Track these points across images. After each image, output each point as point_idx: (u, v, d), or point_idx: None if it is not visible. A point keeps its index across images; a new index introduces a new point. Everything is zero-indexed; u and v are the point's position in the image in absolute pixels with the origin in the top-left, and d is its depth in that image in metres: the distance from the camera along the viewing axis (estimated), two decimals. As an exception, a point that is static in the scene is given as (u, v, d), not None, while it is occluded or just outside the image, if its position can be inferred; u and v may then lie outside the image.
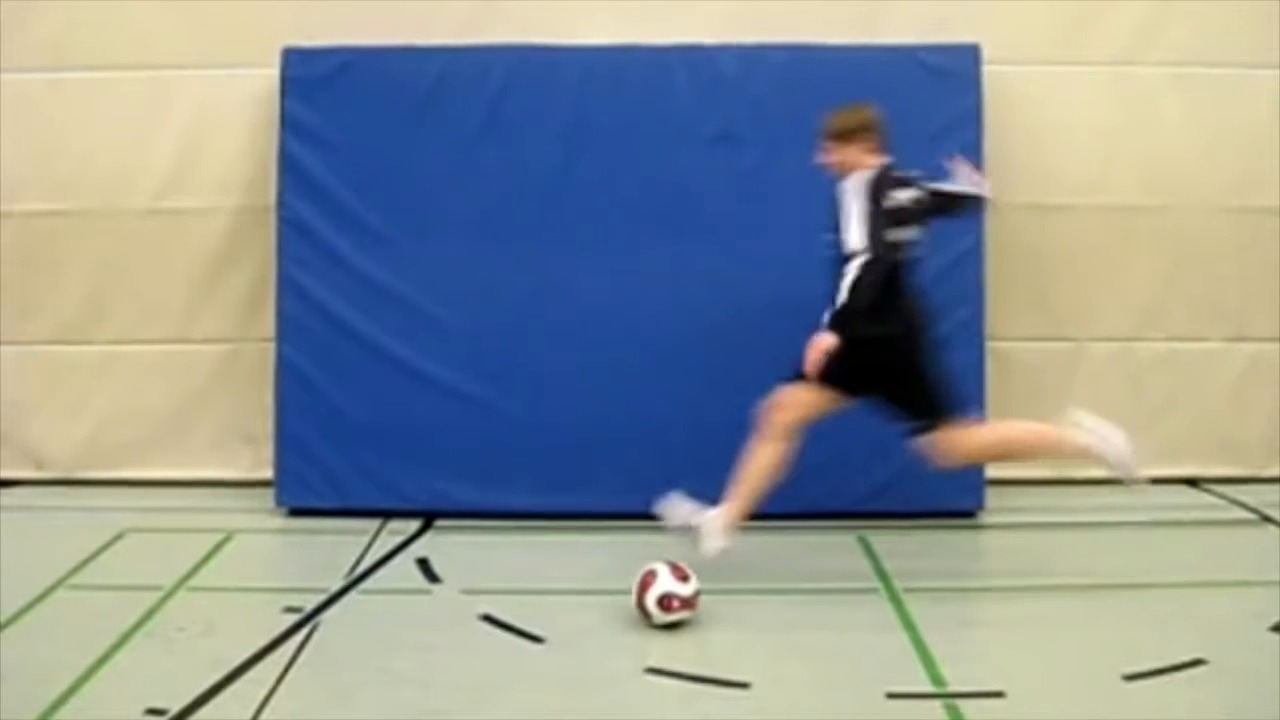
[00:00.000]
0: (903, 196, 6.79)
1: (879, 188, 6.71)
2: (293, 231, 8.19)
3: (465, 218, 8.14)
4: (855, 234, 6.63)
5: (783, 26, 8.35)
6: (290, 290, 8.20)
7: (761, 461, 6.94)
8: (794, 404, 6.94)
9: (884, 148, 6.90)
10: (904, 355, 6.82)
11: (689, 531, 6.91)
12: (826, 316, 6.68)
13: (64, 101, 8.61)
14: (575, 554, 7.49)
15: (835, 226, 6.72)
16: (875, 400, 6.90)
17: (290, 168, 8.22)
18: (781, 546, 7.63)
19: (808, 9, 8.46)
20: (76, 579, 6.95)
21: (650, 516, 7.89)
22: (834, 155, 6.93)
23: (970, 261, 8.16)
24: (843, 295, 6.60)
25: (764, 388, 8.03)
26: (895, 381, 6.83)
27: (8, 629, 6.18)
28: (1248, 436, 8.74)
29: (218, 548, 7.51)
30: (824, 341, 6.65)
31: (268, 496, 8.18)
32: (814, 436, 8.02)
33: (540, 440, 8.07)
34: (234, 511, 8.19)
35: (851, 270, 6.59)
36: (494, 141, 8.12)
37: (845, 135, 6.90)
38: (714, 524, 6.90)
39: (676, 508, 6.96)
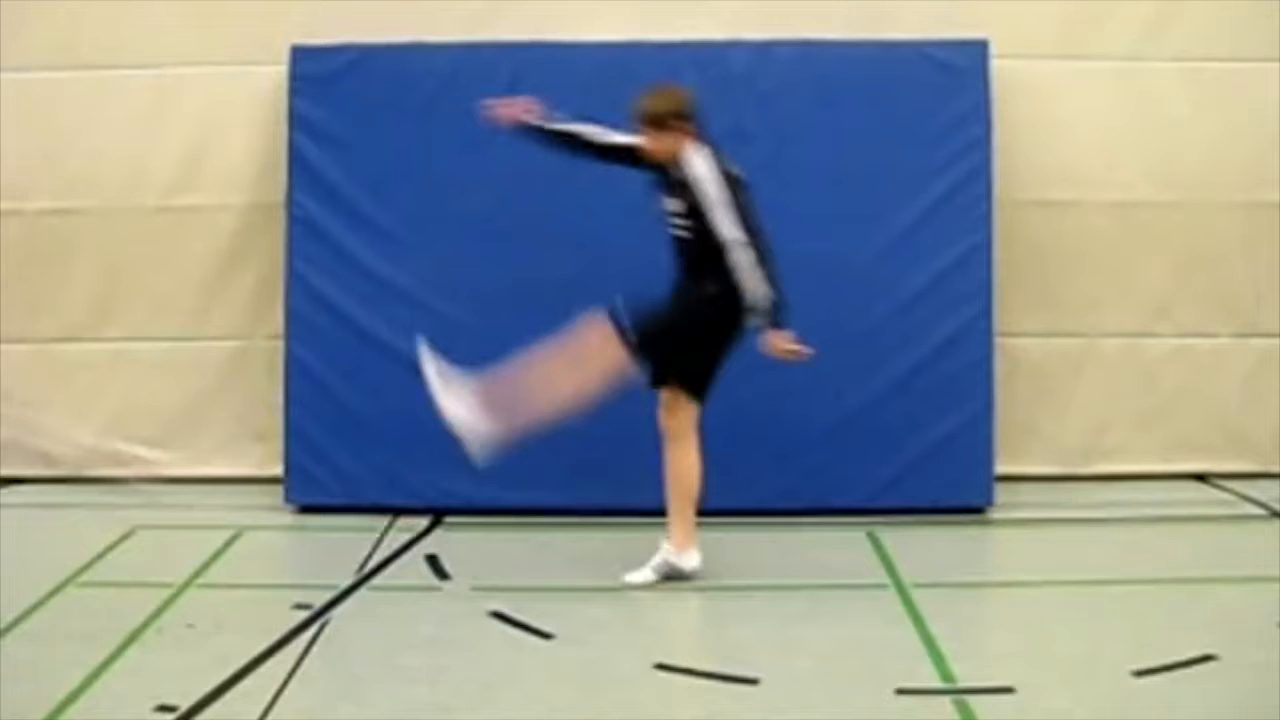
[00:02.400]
0: (730, 163, 6.74)
1: (723, 170, 6.64)
2: (301, 229, 8.21)
3: (474, 215, 8.14)
4: (726, 223, 6.56)
5: (791, 23, 8.35)
6: (299, 287, 8.21)
7: (678, 468, 6.88)
8: (674, 405, 6.88)
9: (698, 126, 6.77)
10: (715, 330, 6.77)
11: (674, 574, 6.85)
12: (758, 319, 6.61)
13: (73, 100, 8.63)
14: (584, 550, 7.50)
15: (684, 211, 6.64)
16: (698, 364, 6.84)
17: (299, 165, 8.23)
18: (791, 543, 7.63)
19: (816, 5, 8.45)
20: (86, 576, 6.96)
21: (658, 512, 7.91)
22: (653, 140, 6.76)
23: (979, 258, 8.16)
24: (753, 290, 6.53)
25: (769, 384, 8.08)
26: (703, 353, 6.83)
27: (18, 626, 6.19)
28: (1257, 432, 8.72)
29: (227, 544, 7.52)
30: (787, 340, 6.62)
31: (277, 493, 8.20)
32: (820, 434, 8.07)
33: (549, 436, 8.05)
34: (243, 508, 8.21)
35: (743, 262, 6.52)
36: (503, 138, 8.10)
37: (663, 119, 6.74)
38: (678, 553, 6.85)
39: (643, 574, 6.88)
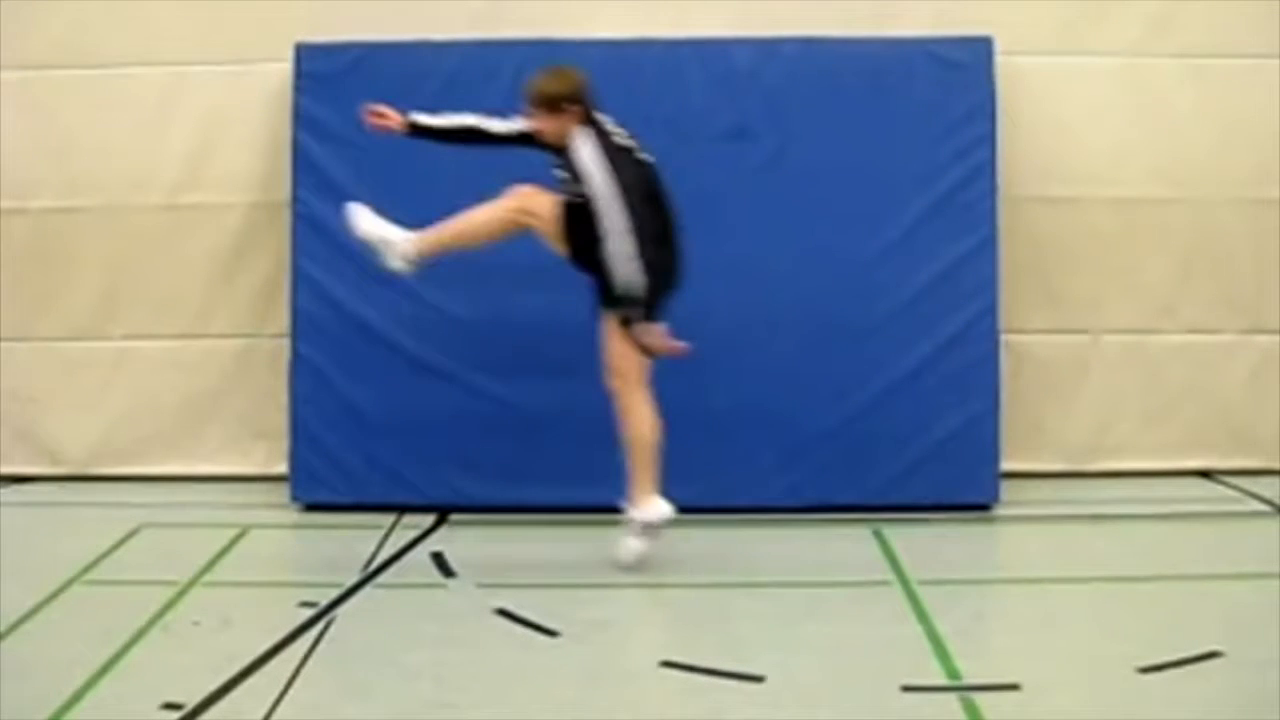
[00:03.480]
0: (615, 130, 6.78)
1: (609, 153, 6.67)
2: (307, 227, 8.21)
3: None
4: (606, 213, 6.61)
5: (795, 20, 8.35)
6: (304, 285, 8.22)
7: (635, 432, 6.95)
8: (620, 362, 6.94)
9: (591, 109, 6.82)
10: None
11: (652, 534, 6.92)
12: (627, 310, 6.69)
13: (78, 98, 8.64)
14: (589, 547, 7.49)
15: (579, 192, 6.71)
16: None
17: (304, 163, 8.24)
18: (796, 540, 7.64)
19: (820, 3, 8.45)
20: (92, 574, 6.97)
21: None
22: (545, 122, 6.80)
23: (984, 254, 8.16)
24: (624, 279, 6.61)
25: (774, 381, 8.08)
26: None
27: (24, 624, 6.20)
28: (1263, 428, 8.71)
29: (233, 543, 7.53)
30: (656, 335, 6.71)
31: (282, 491, 8.20)
32: (825, 431, 8.07)
33: (553, 434, 8.07)
34: (249, 506, 8.21)
35: (618, 252, 6.59)
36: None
37: (556, 101, 6.78)
38: (646, 513, 6.91)
39: (629, 546, 6.96)
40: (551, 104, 6.78)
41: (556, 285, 8.07)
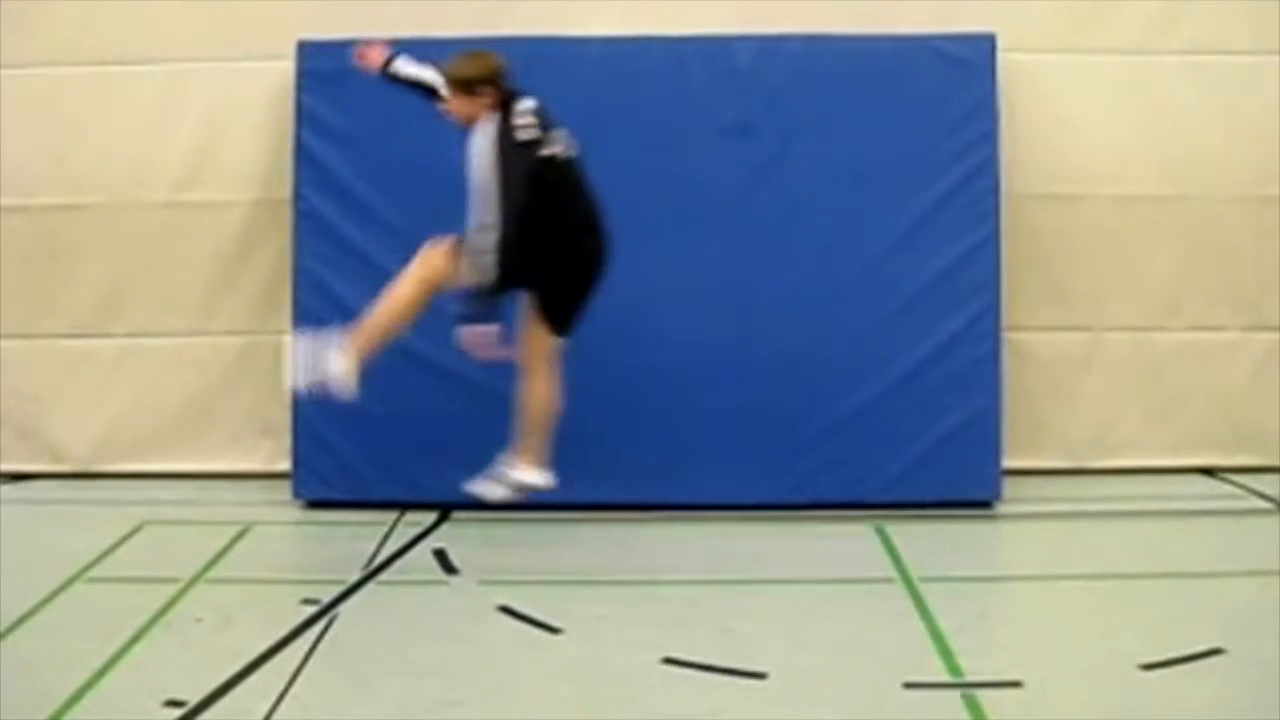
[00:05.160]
0: (524, 121, 6.74)
1: (504, 145, 6.65)
2: (309, 224, 8.21)
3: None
4: (482, 206, 6.63)
5: (798, 17, 8.34)
6: (307, 283, 8.22)
7: (535, 405, 7.05)
8: (532, 339, 7.01)
9: (507, 95, 6.79)
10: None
11: (521, 494, 7.04)
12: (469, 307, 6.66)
13: (80, 96, 8.64)
14: (592, 545, 7.50)
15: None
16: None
17: (306, 161, 8.24)
18: (798, 537, 7.64)
19: (823, 0, 8.44)
20: (95, 571, 6.97)
21: (666, 507, 7.93)
22: (458, 103, 6.80)
23: (986, 252, 8.16)
24: (474, 272, 6.60)
25: (776, 378, 8.08)
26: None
27: (27, 622, 6.20)
28: (1266, 426, 8.71)
29: (235, 540, 7.53)
30: (482, 338, 6.65)
31: (285, 488, 8.21)
32: (827, 429, 8.07)
33: (556, 432, 8.06)
34: (252, 504, 8.22)
35: (478, 245, 6.59)
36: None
37: (471, 84, 6.77)
38: (527, 475, 7.04)
39: (493, 490, 7.06)
40: (464, 86, 6.78)
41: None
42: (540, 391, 7.04)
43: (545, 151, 6.76)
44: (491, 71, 6.79)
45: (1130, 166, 8.63)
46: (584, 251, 6.94)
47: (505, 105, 6.78)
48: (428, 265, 6.85)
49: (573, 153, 6.90)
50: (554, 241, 6.80)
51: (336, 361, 6.75)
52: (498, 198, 6.60)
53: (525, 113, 6.78)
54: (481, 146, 6.71)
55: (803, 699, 5.39)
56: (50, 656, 5.80)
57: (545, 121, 6.83)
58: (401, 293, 6.85)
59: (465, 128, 6.83)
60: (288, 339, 6.99)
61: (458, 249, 6.78)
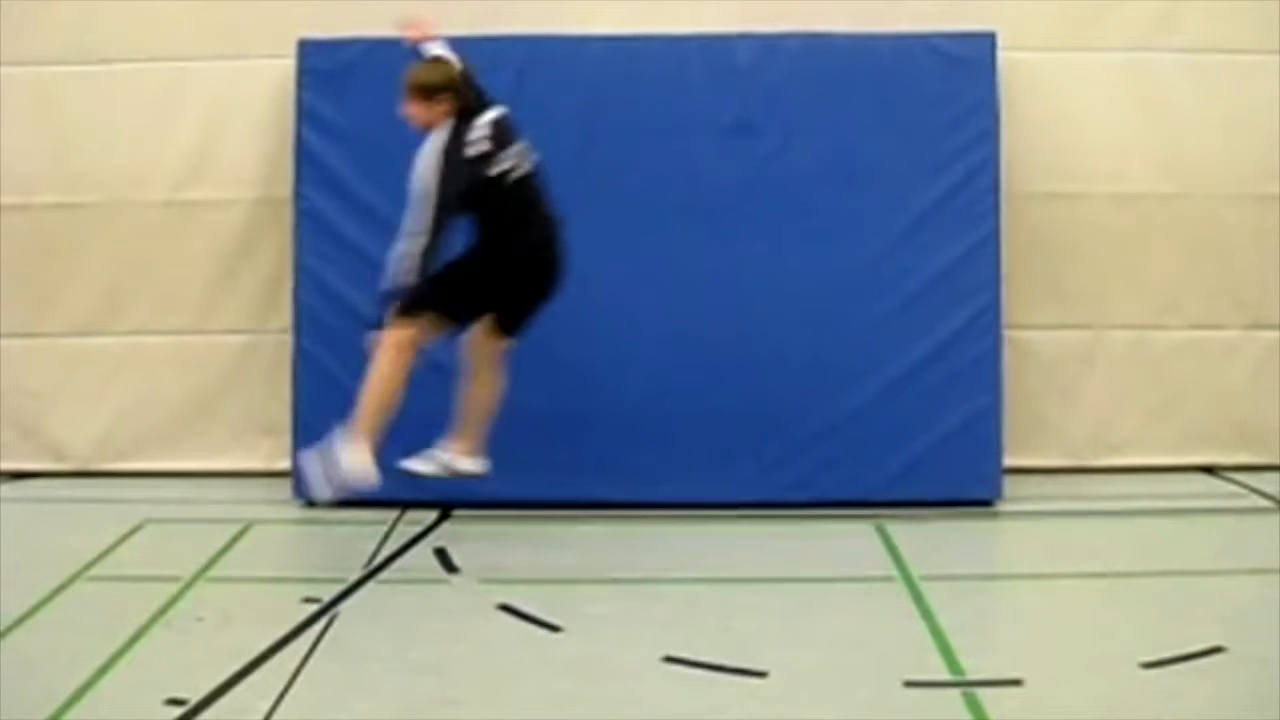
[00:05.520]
0: (477, 135, 6.81)
1: (450, 158, 6.70)
2: (310, 223, 8.22)
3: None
4: (413, 214, 6.69)
5: (798, 15, 8.35)
6: (308, 281, 8.22)
7: (476, 396, 7.20)
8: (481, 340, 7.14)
9: (463, 98, 6.87)
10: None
11: (450, 472, 7.19)
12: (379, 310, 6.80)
13: (81, 94, 8.65)
14: (592, 543, 7.50)
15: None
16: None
17: (307, 159, 8.24)
18: (799, 536, 7.64)
19: (823, -2, 8.46)
20: (96, 570, 6.97)
21: (664, 505, 7.93)
22: (416, 109, 6.87)
23: (987, 249, 8.16)
24: (391, 278, 6.70)
25: (776, 377, 8.08)
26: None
27: (28, 620, 6.20)
28: (1266, 424, 8.71)
29: (236, 538, 7.53)
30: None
31: (286, 487, 8.20)
32: (828, 427, 8.06)
33: (556, 430, 8.07)
34: (252, 502, 8.22)
35: (400, 251, 6.66)
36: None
37: (432, 91, 6.83)
38: (462, 463, 7.21)
39: (425, 468, 7.19)
40: (421, 93, 6.85)
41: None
42: (485, 389, 7.20)
43: (494, 170, 6.80)
44: (450, 79, 6.86)
45: (1131, 165, 8.64)
46: (538, 266, 7.01)
47: (465, 115, 6.83)
48: (397, 332, 6.91)
49: (528, 168, 6.94)
50: (507, 258, 6.88)
51: (349, 458, 6.84)
52: (431, 207, 6.66)
53: (482, 126, 6.84)
54: (427, 154, 6.76)
55: (803, 697, 5.39)
56: (51, 655, 5.79)
57: (502, 137, 6.88)
58: (383, 367, 6.92)
59: (424, 133, 6.86)
60: (304, 458, 6.96)
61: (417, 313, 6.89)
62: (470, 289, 6.96)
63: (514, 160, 6.91)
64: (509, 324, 7.14)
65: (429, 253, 6.66)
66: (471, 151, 6.79)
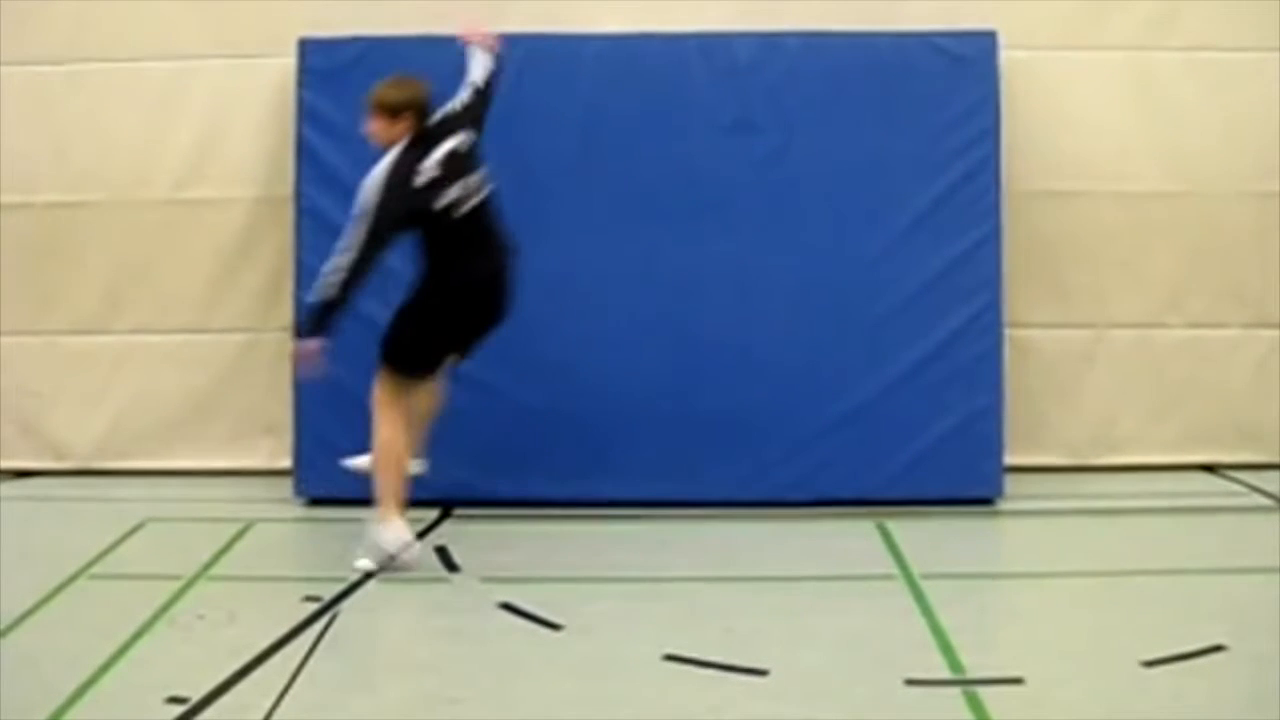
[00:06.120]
0: (429, 163, 6.74)
1: (395, 182, 6.66)
2: (311, 221, 8.21)
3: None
4: (348, 234, 6.68)
5: (799, 13, 8.34)
6: (308, 280, 8.15)
7: (422, 403, 7.21)
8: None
9: (424, 120, 6.83)
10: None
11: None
12: (303, 319, 6.80)
13: (81, 92, 8.65)
14: (593, 542, 7.51)
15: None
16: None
17: (308, 158, 8.24)
18: (800, 534, 7.63)
19: (824, -4, 8.46)
20: (97, 568, 6.97)
21: (665, 504, 7.93)
22: (379, 127, 6.82)
23: (988, 248, 8.15)
24: (317, 291, 6.68)
25: (777, 375, 8.08)
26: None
27: (29, 619, 6.20)
28: (1268, 423, 8.70)
29: (237, 537, 7.53)
30: (305, 352, 6.80)
31: (287, 486, 8.21)
32: (829, 425, 8.06)
33: (558, 428, 8.08)
34: (253, 501, 8.22)
35: (332, 265, 6.65)
36: (510, 130, 8.09)
37: (398, 110, 6.78)
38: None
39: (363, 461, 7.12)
40: (384, 111, 6.80)
41: (565, 277, 8.12)
42: (428, 395, 7.20)
43: (440, 202, 6.74)
44: (414, 99, 6.81)
45: (1132, 163, 8.63)
46: (482, 297, 6.98)
47: (423, 140, 6.78)
48: (381, 393, 6.97)
49: (479, 199, 6.87)
50: (448, 291, 6.86)
51: (385, 535, 6.85)
52: (364, 229, 6.65)
53: (438, 154, 6.77)
54: (375, 173, 6.73)
55: (804, 696, 5.39)
56: (52, 653, 5.80)
57: (457, 168, 6.80)
58: (382, 431, 6.95)
59: (384, 150, 6.82)
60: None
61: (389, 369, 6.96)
62: (425, 341, 6.96)
63: (463, 192, 6.80)
64: (460, 351, 7.15)
65: (356, 271, 6.63)
66: (420, 180, 6.71)
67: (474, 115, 7.08)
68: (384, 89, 6.86)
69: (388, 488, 6.93)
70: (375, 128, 6.85)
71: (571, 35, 8.26)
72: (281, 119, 8.45)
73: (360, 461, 7.24)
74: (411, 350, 6.98)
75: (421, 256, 6.90)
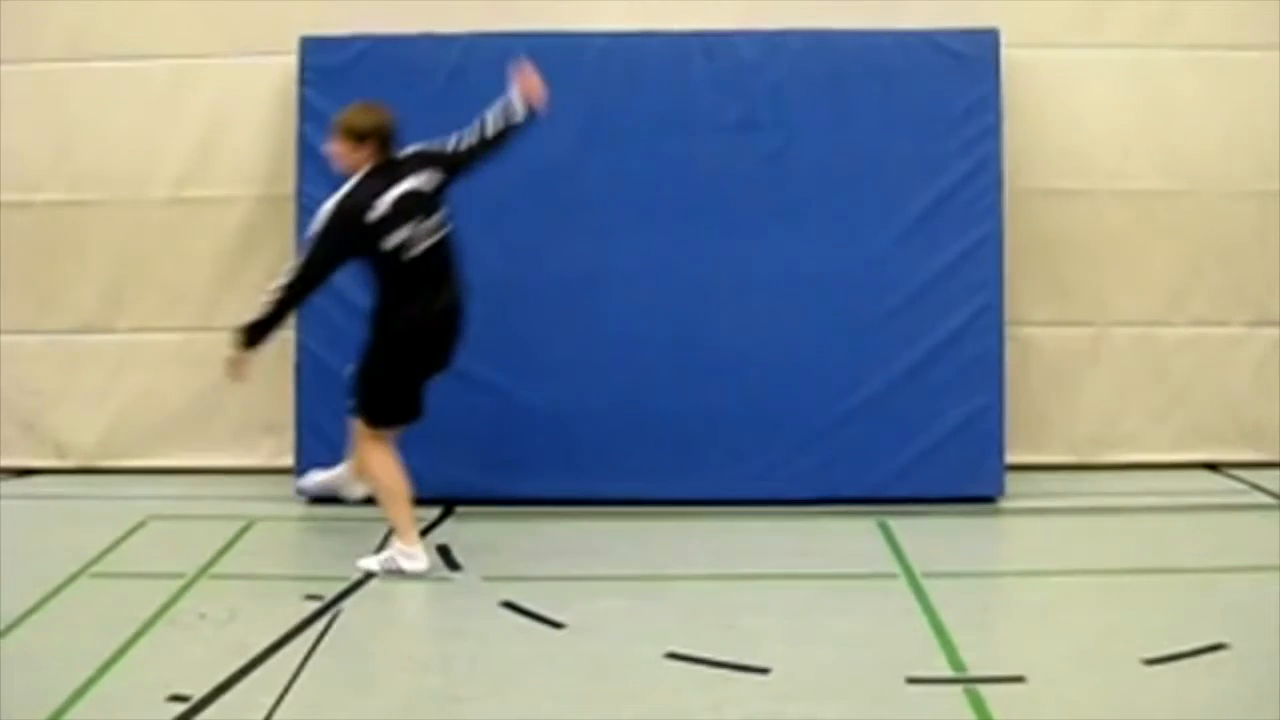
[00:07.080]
0: (389, 199, 6.65)
1: (347, 215, 6.62)
2: (312, 220, 8.19)
3: (483, 205, 8.11)
4: (297, 259, 6.72)
5: (801, 12, 8.33)
6: (309, 279, 8.21)
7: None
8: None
9: (388, 149, 6.76)
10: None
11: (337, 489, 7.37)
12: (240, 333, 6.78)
13: (85, 91, 8.65)
14: (595, 540, 7.50)
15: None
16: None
17: (310, 156, 8.23)
18: (802, 532, 7.63)
19: (826, -6, 8.46)
20: (99, 567, 6.98)
21: (667, 503, 7.93)
22: (342, 151, 6.76)
23: (989, 247, 8.15)
24: (258, 308, 6.69)
25: (779, 374, 8.08)
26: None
27: (31, 616, 6.21)
28: (1269, 422, 8.70)
29: (239, 535, 7.54)
30: (235, 361, 6.85)
31: (288, 484, 8.21)
32: (831, 424, 8.06)
33: (559, 427, 8.08)
34: (255, 499, 8.22)
35: (277, 284, 6.67)
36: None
37: (365, 135, 6.71)
38: (352, 478, 7.38)
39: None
40: (349, 135, 6.73)
41: (567, 276, 8.12)
42: (384, 464, 7.14)
43: (389, 243, 6.65)
44: (379, 127, 6.73)
45: (1134, 162, 8.63)
46: (430, 338, 6.93)
47: (384, 171, 6.70)
48: (362, 439, 7.06)
49: (434, 241, 6.76)
50: (395, 334, 6.83)
51: (411, 563, 6.83)
52: (305, 256, 6.66)
53: (396, 192, 6.67)
54: (329, 202, 6.70)
55: (806, 694, 5.40)
56: (54, 652, 5.80)
57: (410, 209, 6.68)
58: (373, 467, 7.02)
59: (345, 175, 6.78)
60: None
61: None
62: (386, 392, 6.96)
63: (414, 233, 6.69)
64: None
65: (294, 293, 6.64)
66: (372, 216, 6.62)
67: (460, 162, 6.93)
68: (350, 113, 6.77)
69: (400, 518, 6.92)
70: (338, 151, 6.77)
71: (574, 33, 8.25)
72: (283, 118, 8.46)
73: (307, 481, 7.52)
74: (378, 403, 6.98)
75: (372, 291, 6.85)
